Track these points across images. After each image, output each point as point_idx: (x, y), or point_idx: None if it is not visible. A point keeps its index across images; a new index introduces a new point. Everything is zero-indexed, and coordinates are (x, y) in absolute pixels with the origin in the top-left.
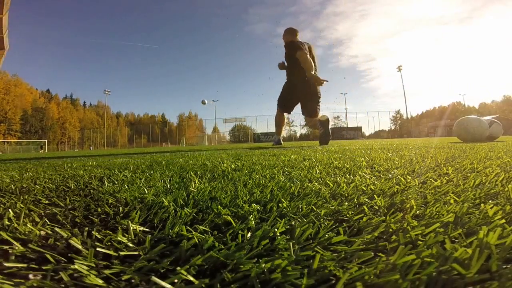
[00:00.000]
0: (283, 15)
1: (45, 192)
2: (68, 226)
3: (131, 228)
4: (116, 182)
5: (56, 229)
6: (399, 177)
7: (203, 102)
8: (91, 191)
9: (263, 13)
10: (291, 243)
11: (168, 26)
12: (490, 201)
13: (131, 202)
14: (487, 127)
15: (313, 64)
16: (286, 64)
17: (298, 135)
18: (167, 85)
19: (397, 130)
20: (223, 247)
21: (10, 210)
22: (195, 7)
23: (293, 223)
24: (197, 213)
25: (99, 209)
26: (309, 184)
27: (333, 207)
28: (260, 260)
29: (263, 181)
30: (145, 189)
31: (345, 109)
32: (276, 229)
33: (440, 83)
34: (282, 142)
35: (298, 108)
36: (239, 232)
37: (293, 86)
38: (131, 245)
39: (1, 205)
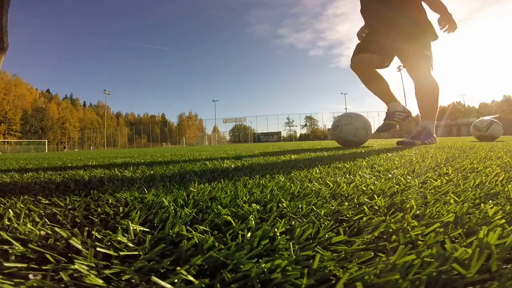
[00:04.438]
0: (284, 16)
1: (45, 192)
2: (68, 226)
3: (131, 228)
4: (116, 182)
5: (56, 229)
6: (399, 177)
7: None
8: (91, 191)
9: (264, 14)
10: (291, 243)
11: (169, 27)
12: (490, 201)
13: (131, 202)
14: (363, 126)
15: None
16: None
17: (298, 135)
18: (167, 85)
19: (397, 130)
20: (223, 247)
21: (10, 210)
22: (196, 7)
23: (293, 223)
24: (197, 213)
25: (99, 209)
26: (309, 184)
27: (333, 207)
28: (260, 260)
29: (263, 181)
30: (145, 189)
31: (345, 109)
32: (276, 229)
33: (440, 83)
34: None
35: (298, 108)
36: (239, 232)
37: None
38: (131, 245)
39: (1, 205)
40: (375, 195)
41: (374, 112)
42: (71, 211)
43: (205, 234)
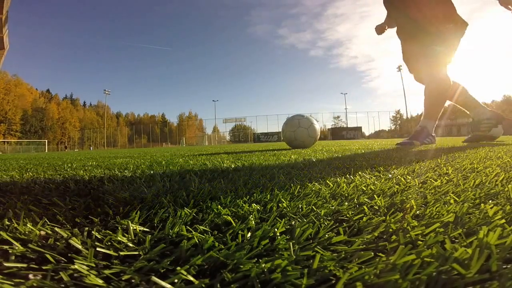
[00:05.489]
0: (284, 17)
1: (45, 192)
2: (68, 226)
3: (131, 228)
4: (116, 182)
5: (56, 229)
6: (399, 177)
7: None
8: (91, 191)
9: (264, 14)
10: (291, 243)
11: (169, 27)
12: (490, 201)
13: (131, 202)
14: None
15: None
16: None
17: None
18: (167, 85)
19: (397, 130)
20: (223, 247)
21: (10, 210)
22: (196, 8)
23: (293, 223)
24: (197, 213)
25: (99, 209)
26: (309, 184)
27: (333, 207)
28: (260, 260)
29: (263, 181)
30: (145, 189)
31: (345, 109)
32: (276, 229)
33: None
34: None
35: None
36: (239, 232)
37: None
38: (131, 245)
39: (1, 205)
40: (375, 195)
41: (374, 112)
42: (71, 211)
43: (205, 234)
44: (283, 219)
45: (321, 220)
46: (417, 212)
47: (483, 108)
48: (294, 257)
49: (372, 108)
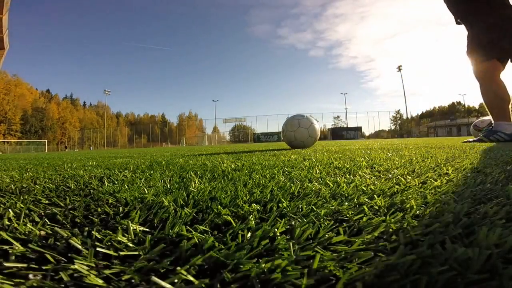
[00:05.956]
0: (284, 17)
1: (45, 192)
2: (68, 226)
3: (131, 228)
4: (116, 182)
5: (56, 229)
6: (399, 177)
7: None
8: (91, 191)
9: (264, 14)
10: (291, 243)
11: (169, 27)
12: (490, 201)
13: (131, 202)
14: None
15: None
16: None
17: None
18: (167, 85)
19: (397, 130)
20: (223, 247)
21: (10, 210)
22: (196, 8)
23: (293, 223)
24: (197, 213)
25: (99, 209)
26: (309, 184)
27: (333, 207)
28: (260, 260)
29: (263, 181)
30: (145, 189)
31: (345, 109)
32: (276, 229)
33: (440, 83)
34: None
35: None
36: (239, 232)
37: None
38: (131, 245)
39: (1, 205)
40: (375, 195)
41: (374, 112)
42: (71, 211)
43: (205, 234)
44: (283, 219)
45: (321, 220)
46: (417, 212)
47: (509, 125)
48: (294, 257)
49: (372, 108)
